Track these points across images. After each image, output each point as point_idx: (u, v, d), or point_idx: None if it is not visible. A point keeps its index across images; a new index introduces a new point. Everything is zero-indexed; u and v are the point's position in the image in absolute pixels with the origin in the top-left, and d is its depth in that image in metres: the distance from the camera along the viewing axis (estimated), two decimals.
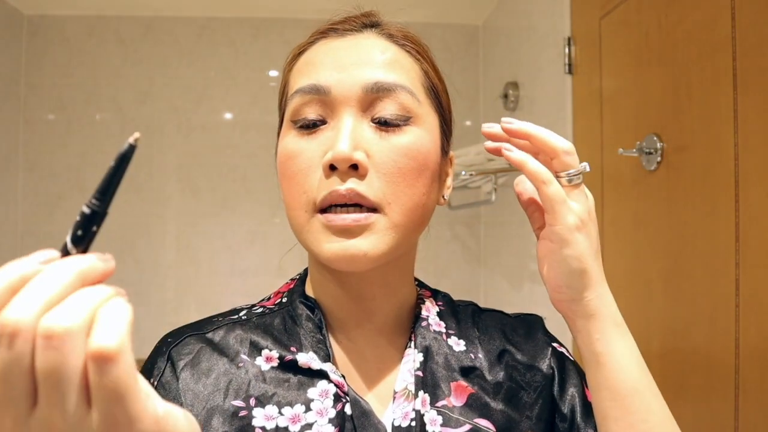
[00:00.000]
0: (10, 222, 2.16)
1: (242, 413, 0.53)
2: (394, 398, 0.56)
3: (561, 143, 0.50)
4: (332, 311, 0.60)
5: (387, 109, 0.54)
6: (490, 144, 0.54)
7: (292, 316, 0.59)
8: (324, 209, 0.52)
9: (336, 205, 0.52)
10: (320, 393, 0.54)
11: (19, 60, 2.23)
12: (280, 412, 0.53)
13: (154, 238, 2.26)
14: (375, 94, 0.53)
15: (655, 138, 1.17)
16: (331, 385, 0.54)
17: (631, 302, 1.25)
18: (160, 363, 0.56)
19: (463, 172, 1.71)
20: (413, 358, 0.58)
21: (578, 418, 0.59)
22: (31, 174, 2.23)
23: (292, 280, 0.66)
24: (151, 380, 0.55)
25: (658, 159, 1.16)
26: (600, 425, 0.53)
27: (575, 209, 0.50)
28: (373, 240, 0.52)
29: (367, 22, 0.59)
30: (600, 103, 1.41)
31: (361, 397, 0.55)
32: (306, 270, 0.64)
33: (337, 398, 0.54)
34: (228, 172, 2.28)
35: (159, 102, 2.28)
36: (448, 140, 0.62)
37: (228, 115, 2.31)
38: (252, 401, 0.53)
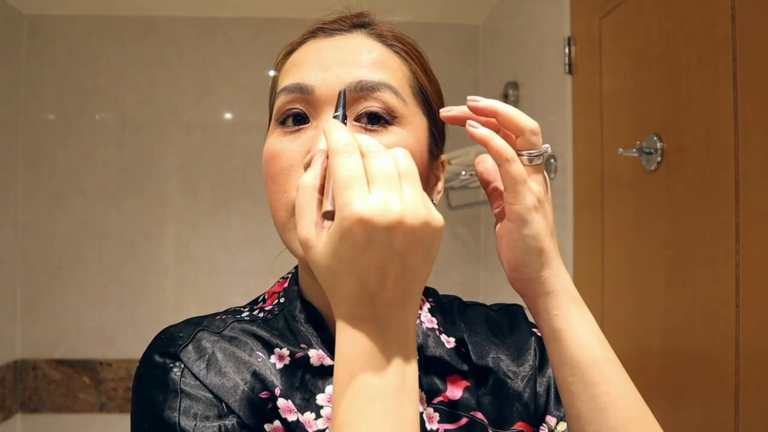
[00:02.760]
0: (10, 222, 2.15)
1: (269, 405, 0.53)
2: None
3: (529, 122, 0.50)
4: (323, 312, 0.59)
5: (370, 107, 0.53)
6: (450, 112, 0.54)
7: (294, 317, 0.59)
8: None
9: None
10: (327, 398, 0.54)
11: (19, 60, 2.23)
12: (298, 412, 0.53)
13: (154, 238, 2.26)
14: (358, 93, 0.53)
15: (655, 138, 1.17)
16: None
17: (631, 302, 1.25)
18: (174, 366, 0.54)
19: (463, 172, 1.71)
20: None
21: (552, 398, 0.60)
22: (31, 174, 2.23)
23: (283, 278, 0.65)
24: (169, 381, 0.53)
25: (658, 159, 1.16)
26: (566, 406, 0.53)
27: (534, 189, 0.50)
28: None
29: (357, 22, 0.59)
30: (600, 103, 1.41)
31: None
32: (297, 267, 0.64)
33: None
34: (228, 172, 2.28)
35: (159, 102, 2.27)
36: (439, 144, 0.61)
37: (228, 115, 2.31)
38: (277, 391, 0.54)
